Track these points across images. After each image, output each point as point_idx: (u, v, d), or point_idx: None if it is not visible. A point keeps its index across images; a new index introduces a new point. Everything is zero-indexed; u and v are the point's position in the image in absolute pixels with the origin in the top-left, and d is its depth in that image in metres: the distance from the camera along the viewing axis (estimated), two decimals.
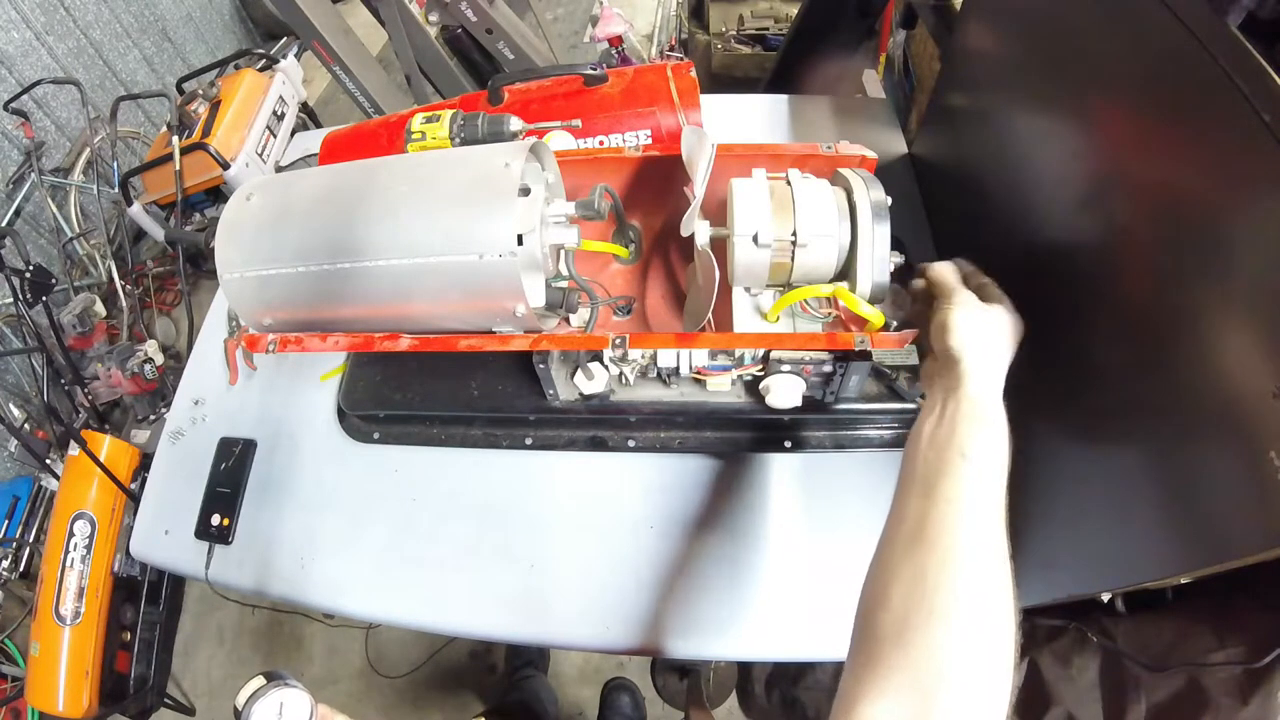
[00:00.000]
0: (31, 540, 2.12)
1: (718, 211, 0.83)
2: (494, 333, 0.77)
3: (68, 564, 1.61)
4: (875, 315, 0.71)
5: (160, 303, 2.66)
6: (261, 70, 2.31)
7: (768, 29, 2.41)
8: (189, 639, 2.05)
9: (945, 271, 0.69)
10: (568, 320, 0.87)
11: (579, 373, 0.84)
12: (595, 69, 1.04)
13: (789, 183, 0.74)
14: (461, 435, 0.97)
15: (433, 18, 2.14)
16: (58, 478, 1.86)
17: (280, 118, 2.25)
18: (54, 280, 2.05)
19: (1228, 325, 0.49)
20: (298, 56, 2.81)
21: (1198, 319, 0.52)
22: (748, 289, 0.79)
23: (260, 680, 0.59)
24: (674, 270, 0.96)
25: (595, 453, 0.93)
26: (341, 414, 1.02)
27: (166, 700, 1.82)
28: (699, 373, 0.82)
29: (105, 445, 1.69)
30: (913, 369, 0.85)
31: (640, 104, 1.03)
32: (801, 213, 0.71)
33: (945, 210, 1.06)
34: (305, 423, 1.04)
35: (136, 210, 2.14)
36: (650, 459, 0.92)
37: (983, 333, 0.63)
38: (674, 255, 0.96)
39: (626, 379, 0.85)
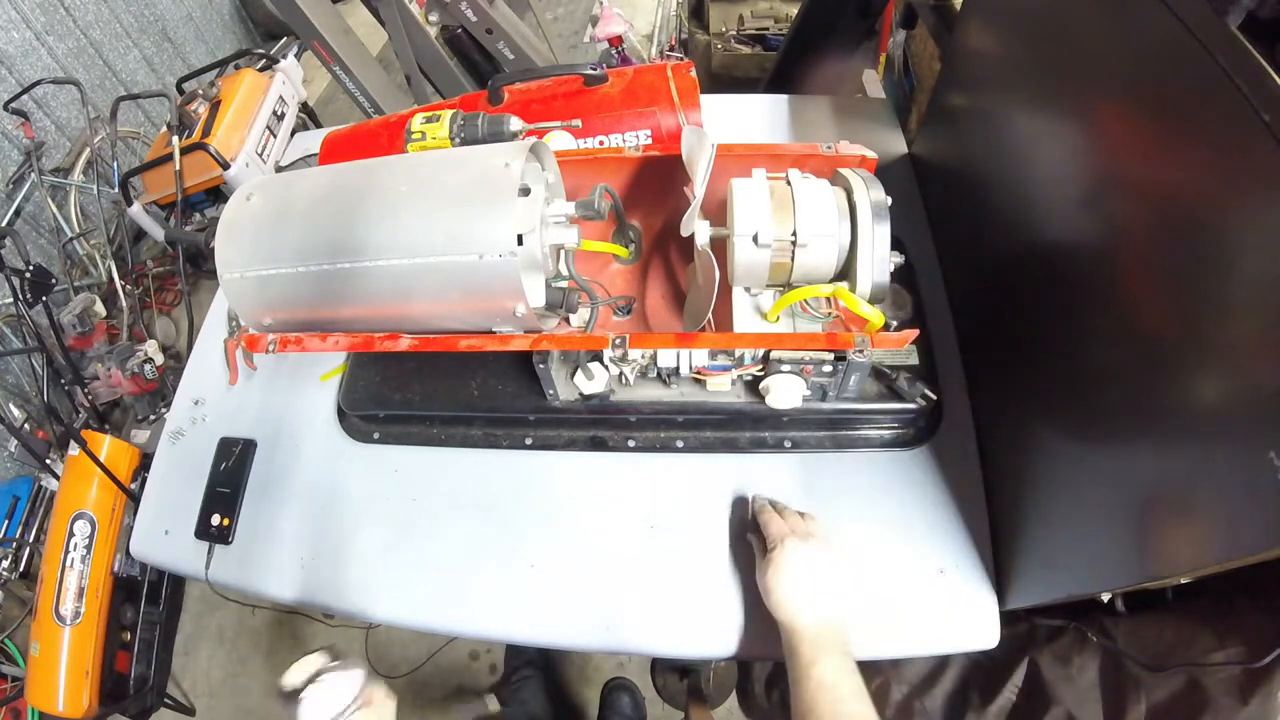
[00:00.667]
0: (31, 540, 2.12)
1: (718, 211, 0.83)
2: (494, 333, 0.77)
3: (68, 564, 1.61)
4: (875, 315, 0.71)
5: (160, 303, 2.66)
6: (261, 70, 2.30)
7: (768, 29, 2.41)
8: (189, 639, 2.05)
9: (769, 518, 0.78)
10: (568, 320, 0.87)
11: (579, 373, 0.84)
12: (595, 69, 1.04)
13: (789, 183, 0.74)
14: (461, 435, 0.97)
15: (433, 18, 2.13)
16: (58, 478, 1.86)
17: (280, 118, 2.25)
18: (54, 280, 2.05)
19: (1227, 325, 0.49)
20: (298, 56, 2.81)
21: (1197, 319, 0.52)
22: (748, 289, 0.79)
23: (322, 658, 0.59)
24: (674, 270, 0.96)
25: (595, 453, 0.93)
26: (341, 414, 1.02)
27: (166, 700, 1.82)
28: (699, 373, 0.82)
29: (105, 445, 1.69)
30: (913, 369, 0.85)
31: (640, 104, 1.03)
32: (801, 213, 0.71)
33: (945, 210, 1.06)
34: (305, 423, 1.04)
35: (136, 210, 2.14)
36: (650, 459, 0.92)
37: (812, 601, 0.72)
38: (674, 255, 0.96)
39: (626, 379, 0.85)
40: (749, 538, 0.83)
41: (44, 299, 1.99)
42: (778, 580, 0.73)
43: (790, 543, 0.74)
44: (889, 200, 0.70)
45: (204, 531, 0.99)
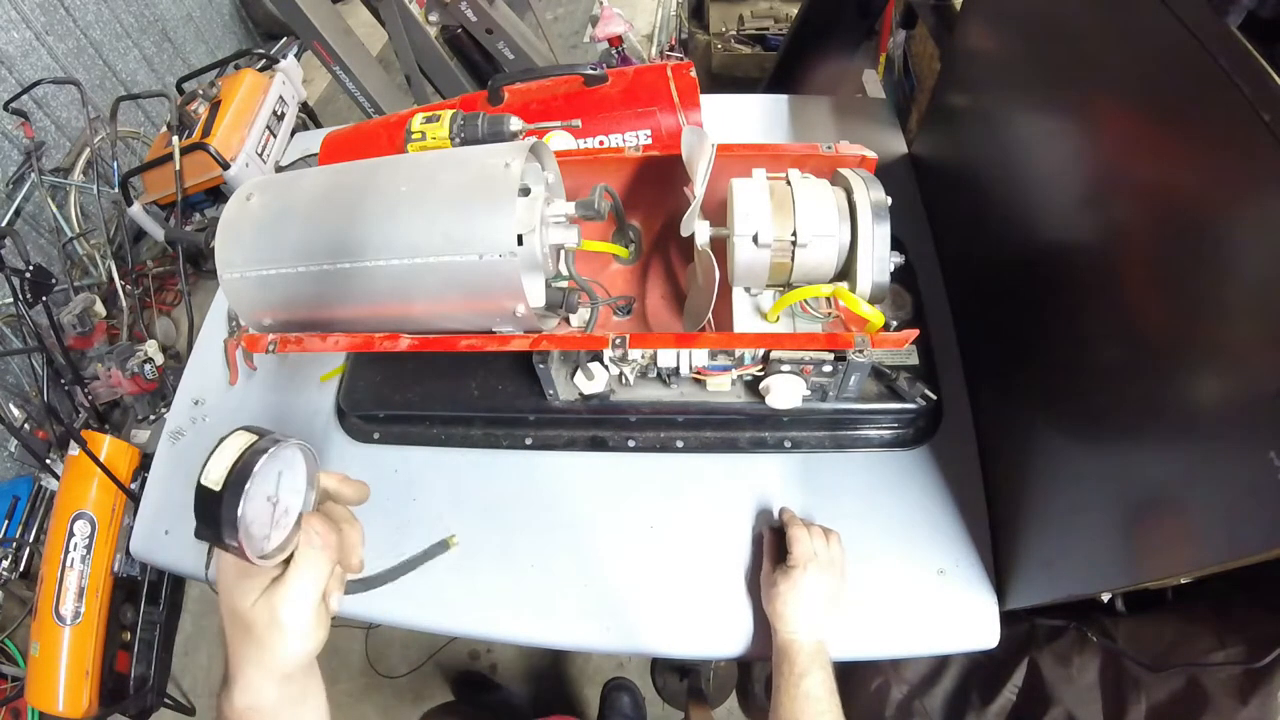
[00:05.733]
0: (31, 540, 2.11)
1: (718, 211, 0.83)
2: (494, 333, 0.77)
3: (68, 564, 1.61)
4: (875, 315, 0.71)
5: (160, 303, 2.66)
6: (261, 70, 2.31)
7: (768, 29, 2.42)
8: (189, 639, 2.04)
9: (797, 537, 0.79)
10: (568, 320, 0.87)
11: (579, 373, 0.84)
12: (595, 69, 1.04)
13: (789, 183, 0.74)
14: (461, 435, 0.97)
15: (433, 18, 2.13)
16: (58, 478, 1.85)
17: (280, 118, 2.25)
18: (54, 280, 2.04)
19: (1227, 325, 0.49)
20: (298, 56, 2.81)
21: (1197, 319, 0.52)
22: (748, 289, 0.79)
23: (247, 437, 0.45)
24: (674, 270, 0.96)
25: (595, 453, 0.93)
26: (341, 414, 1.02)
27: (166, 700, 1.81)
28: (699, 373, 0.82)
29: (105, 445, 1.68)
30: (913, 369, 0.85)
31: (640, 104, 1.03)
32: (801, 213, 0.71)
33: (945, 210, 1.06)
34: (305, 423, 1.04)
35: (136, 210, 2.14)
36: (650, 459, 0.92)
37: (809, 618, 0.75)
38: (674, 255, 0.96)
39: (626, 379, 0.85)
40: (769, 531, 0.84)
41: (44, 299, 1.99)
42: (789, 599, 0.75)
43: (813, 569, 0.76)
44: (889, 200, 0.70)
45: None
